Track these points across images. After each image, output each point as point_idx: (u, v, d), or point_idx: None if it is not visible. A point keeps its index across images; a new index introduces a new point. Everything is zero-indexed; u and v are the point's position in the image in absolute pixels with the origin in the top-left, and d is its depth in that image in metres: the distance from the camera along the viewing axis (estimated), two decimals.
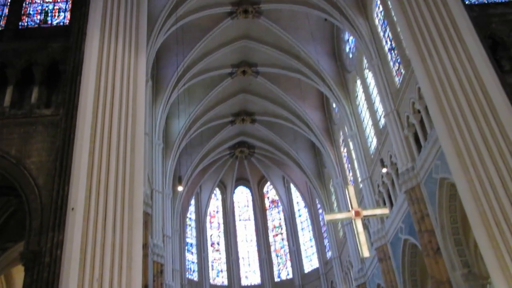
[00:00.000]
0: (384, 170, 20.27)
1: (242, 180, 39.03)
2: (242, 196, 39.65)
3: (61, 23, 15.59)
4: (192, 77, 26.87)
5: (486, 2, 16.17)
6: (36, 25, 15.66)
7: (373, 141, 23.71)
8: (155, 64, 24.57)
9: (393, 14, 18.50)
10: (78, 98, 12.34)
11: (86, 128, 11.66)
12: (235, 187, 39.03)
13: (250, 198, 39.47)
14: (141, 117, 12.76)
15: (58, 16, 15.85)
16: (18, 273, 15.60)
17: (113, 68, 13.04)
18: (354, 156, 26.07)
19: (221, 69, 28.54)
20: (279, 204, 38.69)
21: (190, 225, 35.88)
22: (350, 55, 26.08)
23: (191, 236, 35.54)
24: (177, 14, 21.96)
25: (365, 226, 22.75)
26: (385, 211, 13.55)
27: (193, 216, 36.55)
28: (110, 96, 12.52)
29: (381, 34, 21.57)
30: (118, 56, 13.30)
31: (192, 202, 36.67)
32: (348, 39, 26.22)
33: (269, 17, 25.78)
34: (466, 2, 15.35)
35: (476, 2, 16.12)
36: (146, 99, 17.47)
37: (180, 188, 26.00)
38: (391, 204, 21.27)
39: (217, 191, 38.82)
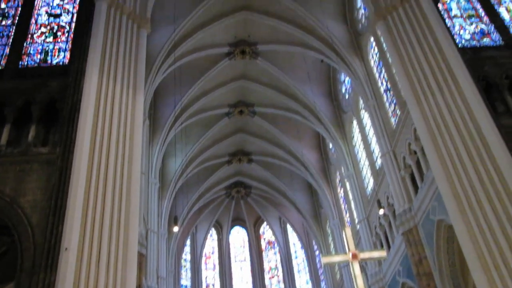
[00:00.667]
0: (381, 211, 20.11)
1: (238, 221, 38.64)
2: (238, 236, 39.18)
3: (61, 63, 15.70)
4: (189, 116, 27.01)
5: (478, 46, 16.48)
6: (36, 64, 15.78)
7: (369, 182, 23.64)
8: (152, 103, 24.72)
9: (388, 56, 18.81)
10: (75, 137, 12.36)
11: (82, 167, 11.63)
12: (231, 228, 38.60)
13: (246, 238, 38.99)
14: (138, 156, 12.76)
15: (58, 56, 16.00)
16: None
17: (111, 107, 13.13)
18: (351, 196, 25.94)
19: (218, 109, 28.73)
20: (276, 245, 38.20)
21: (185, 266, 35.27)
22: (346, 96, 26.33)
23: (186, 278, 34.88)
24: (175, 54, 22.26)
25: (363, 269, 22.40)
26: (382, 253, 13.30)
27: (188, 257, 35.98)
28: (107, 135, 12.55)
29: (377, 75, 21.84)
30: (116, 95, 13.42)
31: (188, 242, 36.18)
32: (344, 80, 26.54)
33: (266, 58, 26.16)
34: (459, 45, 15.66)
35: (469, 46, 16.43)
36: (143, 138, 17.50)
37: (175, 229, 25.69)
38: (388, 246, 21.02)
39: (213, 231, 38.37)
